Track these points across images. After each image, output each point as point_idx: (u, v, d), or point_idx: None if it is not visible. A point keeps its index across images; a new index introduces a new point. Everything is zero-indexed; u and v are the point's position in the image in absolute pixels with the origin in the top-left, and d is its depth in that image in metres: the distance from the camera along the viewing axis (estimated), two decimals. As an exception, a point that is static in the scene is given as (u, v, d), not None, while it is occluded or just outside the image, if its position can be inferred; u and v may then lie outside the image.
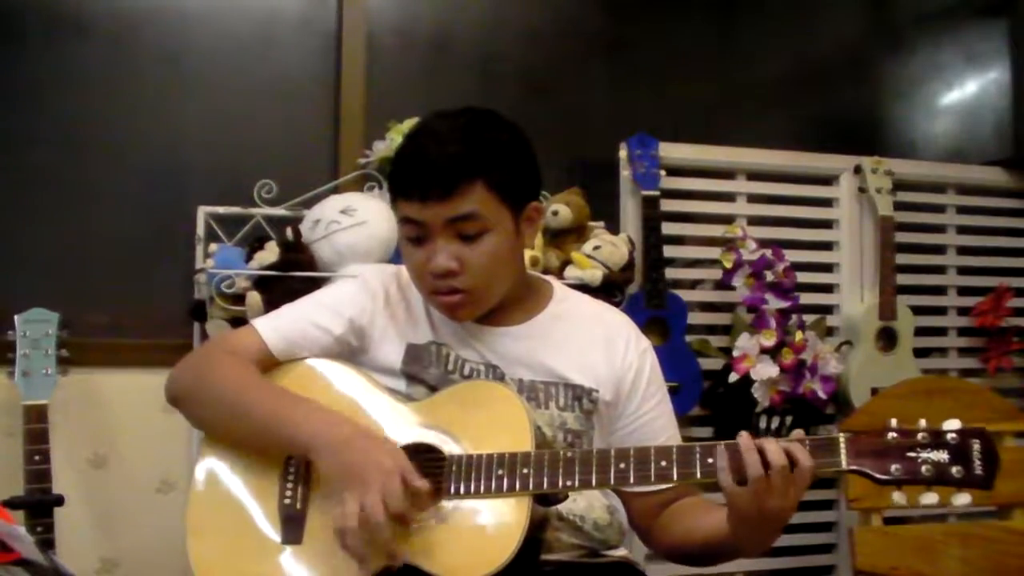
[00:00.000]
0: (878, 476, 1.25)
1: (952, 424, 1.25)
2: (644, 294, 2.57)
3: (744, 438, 1.28)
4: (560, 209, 2.50)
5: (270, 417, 1.41)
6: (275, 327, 1.53)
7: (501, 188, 1.43)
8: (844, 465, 1.26)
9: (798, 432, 1.31)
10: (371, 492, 1.27)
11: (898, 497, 1.26)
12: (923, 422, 1.27)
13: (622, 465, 1.33)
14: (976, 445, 1.24)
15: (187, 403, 1.51)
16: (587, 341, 1.56)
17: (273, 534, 1.39)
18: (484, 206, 1.42)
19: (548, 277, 1.69)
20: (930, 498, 1.25)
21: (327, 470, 1.35)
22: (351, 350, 1.54)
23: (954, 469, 1.23)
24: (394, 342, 1.53)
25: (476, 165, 1.41)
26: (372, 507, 1.27)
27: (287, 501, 1.41)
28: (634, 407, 1.56)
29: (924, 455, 1.24)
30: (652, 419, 1.56)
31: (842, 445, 1.27)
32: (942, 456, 1.24)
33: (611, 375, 1.54)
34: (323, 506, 1.40)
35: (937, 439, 1.25)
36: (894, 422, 1.27)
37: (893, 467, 1.24)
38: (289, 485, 1.42)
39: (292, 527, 1.39)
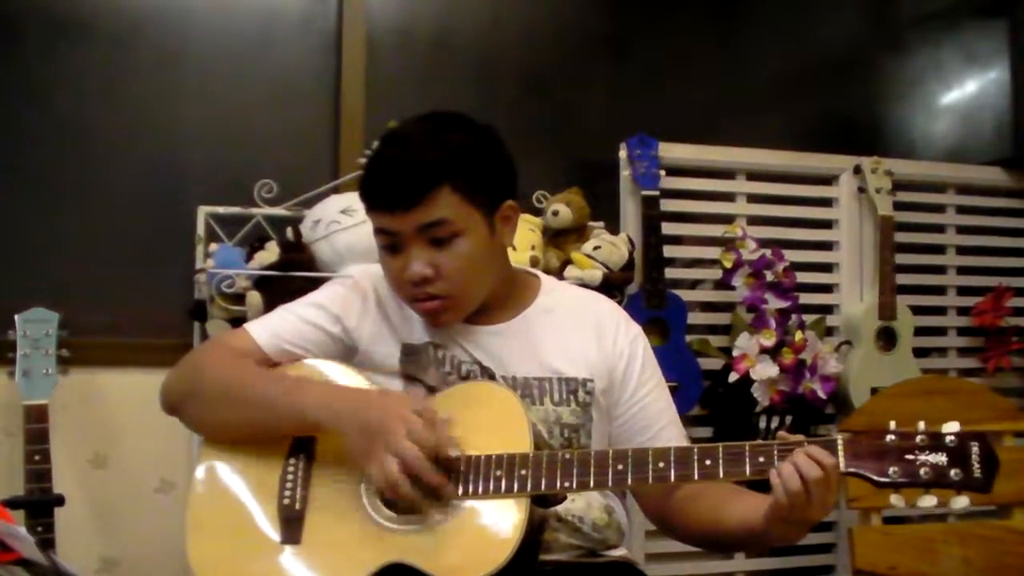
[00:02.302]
0: (876, 478, 1.25)
1: (951, 427, 1.25)
2: (644, 294, 2.57)
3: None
4: (560, 209, 2.50)
5: (275, 400, 1.42)
6: (267, 328, 1.54)
7: (469, 191, 1.43)
8: (842, 467, 1.26)
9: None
10: (399, 439, 1.29)
11: (896, 500, 1.26)
12: (922, 424, 1.26)
13: (620, 467, 1.33)
14: (975, 448, 1.23)
15: (185, 405, 1.51)
16: (577, 332, 1.56)
17: (272, 534, 1.40)
18: (453, 211, 1.42)
19: (534, 271, 1.69)
20: (928, 501, 1.24)
21: (347, 436, 1.36)
22: (346, 349, 1.54)
23: (953, 472, 1.23)
24: (389, 342, 1.53)
25: (440, 170, 1.41)
26: (406, 450, 1.29)
27: (286, 501, 1.41)
28: (629, 393, 1.56)
29: (923, 458, 1.24)
30: (650, 403, 1.57)
31: (840, 447, 1.27)
32: (941, 459, 1.23)
33: (603, 363, 1.55)
34: (323, 503, 1.40)
35: (936, 442, 1.24)
36: (893, 424, 1.27)
37: (891, 469, 1.24)
38: (288, 485, 1.42)
39: (291, 527, 1.39)
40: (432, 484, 1.31)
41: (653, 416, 1.57)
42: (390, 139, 1.50)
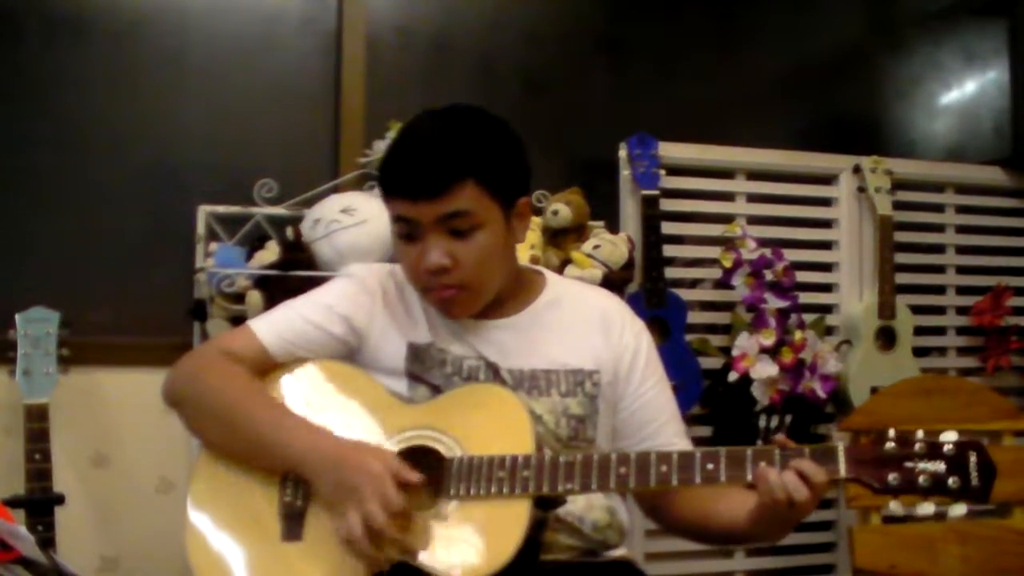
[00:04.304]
0: (875, 485, 1.27)
1: (949, 436, 1.27)
2: (644, 293, 2.57)
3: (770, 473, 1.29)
4: (560, 208, 2.50)
5: (259, 438, 1.42)
6: (271, 327, 1.53)
7: (491, 184, 1.44)
8: (843, 473, 1.28)
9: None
10: (368, 500, 1.29)
11: (895, 506, 1.29)
12: (920, 432, 1.28)
13: (622, 469, 1.34)
14: (973, 457, 1.25)
15: (182, 409, 1.51)
16: (584, 324, 1.57)
17: (273, 532, 1.40)
18: (475, 203, 1.42)
19: (538, 267, 1.70)
20: (926, 507, 1.27)
21: (322, 488, 1.36)
22: (350, 349, 1.54)
23: (951, 480, 1.24)
24: (395, 341, 1.53)
25: (466, 162, 1.41)
26: (372, 514, 1.28)
27: (287, 499, 1.41)
28: (634, 387, 1.57)
29: (921, 466, 1.26)
30: (653, 397, 1.58)
31: (841, 454, 1.28)
32: (939, 467, 1.25)
33: (610, 356, 1.55)
34: (323, 504, 1.40)
35: (934, 450, 1.26)
36: (892, 432, 1.29)
37: (890, 477, 1.26)
38: (289, 482, 1.42)
39: (292, 524, 1.40)
40: (393, 549, 1.30)
41: (656, 410, 1.58)
42: (414, 129, 1.49)
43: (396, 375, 1.52)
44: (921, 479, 1.25)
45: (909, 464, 1.26)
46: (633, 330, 1.60)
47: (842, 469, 1.28)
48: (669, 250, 2.67)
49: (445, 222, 1.42)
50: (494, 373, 1.51)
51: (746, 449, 1.32)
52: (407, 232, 1.46)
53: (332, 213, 2.29)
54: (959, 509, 1.26)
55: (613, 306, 1.63)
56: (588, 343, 1.55)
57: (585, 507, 1.49)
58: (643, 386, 1.57)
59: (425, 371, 1.51)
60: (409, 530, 1.32)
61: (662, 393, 1.60)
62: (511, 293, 1.56)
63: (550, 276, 1.65)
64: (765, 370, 2.57)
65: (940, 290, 3.03)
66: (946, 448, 1.25)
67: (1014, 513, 2.18)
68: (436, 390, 1.50)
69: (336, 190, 2.50)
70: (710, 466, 1.31)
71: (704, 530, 1.53)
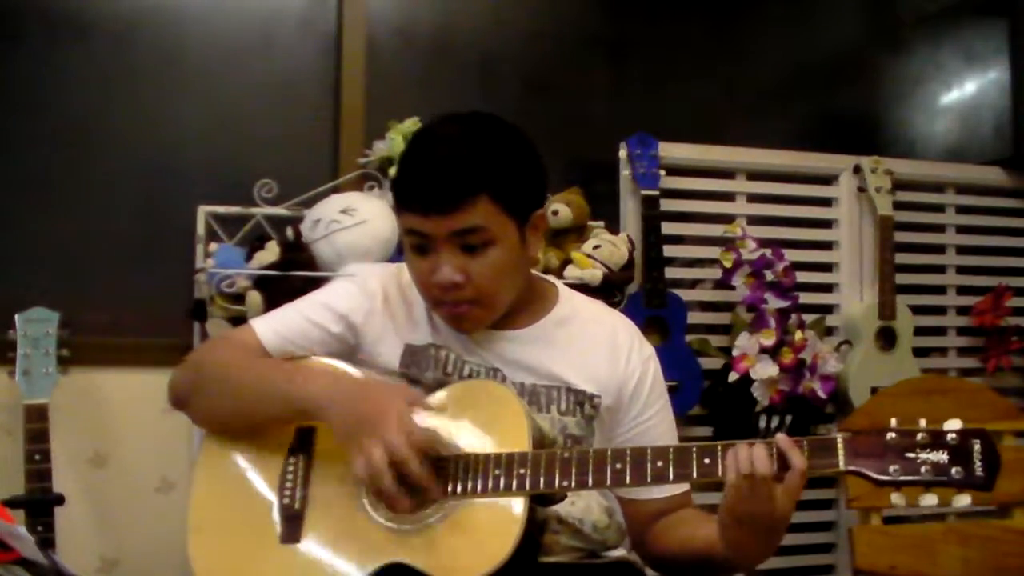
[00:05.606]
0: (877, 477, 1.23)
1: (952, 424, 1.23)
2: (644, 293, 2.57)
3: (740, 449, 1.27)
4: (560, 209, 2.50)
5: (274, 386, 1.42)
6: (271, 325, 1.53)
7: (506, 200, 1.41)
8: (842, 466, 1.24)
9: (780, 435, 1.30)
10: (390, 430, 1.28)
11: (897, 499, 1.24)
12: (923, 422, 1.24)
13: (618, 465, 1.32)
14: (977, 446, 1.21)
15: (189, 397, 1.51)
16: (591, 346, 1.55)
17: (272, 533, 1.40)
18: (489, 219, 1.40)
19: (552, 279, 1.69)
20: (930, 499, 1.22)
21: (340, 425, 1.35)
22: (349, 348, 1.54)
23: (954, 470, 1.21)
24: (392, 342, 1.53)
25: (481, 178, 1.39)
26: (395, 443, 1.27)
27: (286, 500, 1.41)
28: (635, 414, 1.55)
29: (924, 456, 1.22)
30: (652, 426, 1.56)
31: (840, 446, 1.25)
32: (942, 457, 1.21)
33: (614, 381, 1.53)
34: (323, 502, 1.40)
35: (937, 439, 1.22)
36: (894, 422, 1.25)
37: (892, 468, 1.22)
38: (288, 484, 1.42)
39: (291, 526, 1.39)
40: (418, 481, 1.29)
41: (654, 439, 1.54)
42: (428, 139, 1.46)
43: (392, 376, 1.52)
44: (923, 469, 1.21)
45: (911, 454, 1.22)
46: (641, 356, 1.57)
47: (841, 462, 1.24)
48: (669, 250, 2.67)
49: (458, 237, 1.40)
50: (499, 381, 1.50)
51: (742, 442, 1.29)
52: (419, 245, 1.44)
53: (332, 213, 2.29)
54: (963, 500, 1.21)
55: (623, 330, 1.59)
56: (593, 365, 1.53)
57: (585, 508, 1.48)
58: (644, 414, 1.55)
59: (419, 373, 1.51)
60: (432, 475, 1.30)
61: (663, 422, 1.58)
62: (522, 305, 1.54)
63: (563, 290, 1.62)
64: (765, 370, 2.57)
65: (940, 290, 3.03)
66: (949, 437, 1.22)
67: (1014, 513, 2.18)
68: (431, 390, 1.49)
69: (336, 190, 2.50)
70: (707, 460, 1.30)
71: (682, 557, 1.48)
